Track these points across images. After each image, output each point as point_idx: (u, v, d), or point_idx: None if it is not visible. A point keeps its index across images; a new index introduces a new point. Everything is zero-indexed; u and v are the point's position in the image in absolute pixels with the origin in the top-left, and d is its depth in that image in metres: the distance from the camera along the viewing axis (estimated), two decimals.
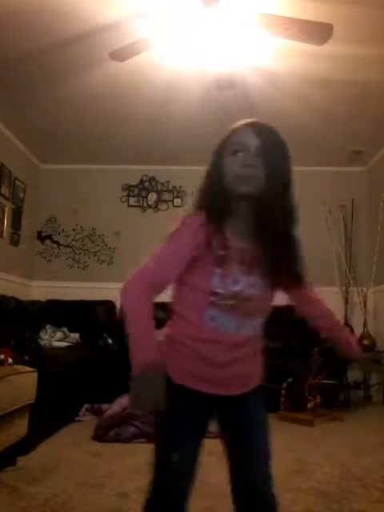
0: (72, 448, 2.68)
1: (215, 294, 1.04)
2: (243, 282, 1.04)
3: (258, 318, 1.10)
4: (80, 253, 5.09)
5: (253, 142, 1.05)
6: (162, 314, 4.30)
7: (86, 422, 3.31)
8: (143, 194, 5.18)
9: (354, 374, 4.45)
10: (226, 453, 1.13)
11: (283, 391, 3.61)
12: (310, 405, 3.52)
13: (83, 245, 5.10)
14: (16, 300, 3.97)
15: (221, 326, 1.06)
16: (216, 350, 1.07)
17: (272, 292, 1.12)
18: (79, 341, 4.10)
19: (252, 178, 1.04)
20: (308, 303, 1.23)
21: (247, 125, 1.09)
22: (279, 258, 1.06)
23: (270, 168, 1.04)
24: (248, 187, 1.04)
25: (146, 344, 1.00)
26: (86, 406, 3.53)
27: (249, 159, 1.04)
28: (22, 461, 2.35)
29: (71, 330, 4.13)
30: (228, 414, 1.14)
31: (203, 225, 1.03)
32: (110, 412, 2.96)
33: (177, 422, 1.08)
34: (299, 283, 1.12)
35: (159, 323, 3.91)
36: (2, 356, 2.28)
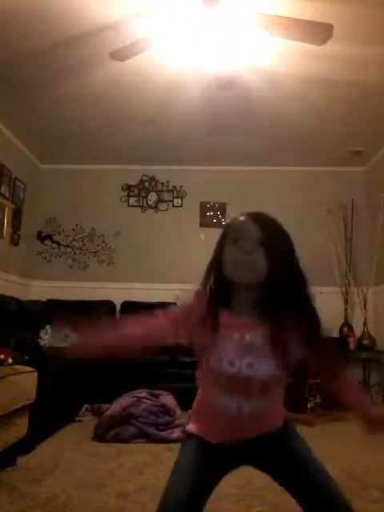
0: (72, 448, 2.67)
1: (215, 374, 1.08)
2: (240, 363, 1.05)
3: (264, 397, 1.08)
4: (80, 253, 5.09)
5: (252, 229, 1.05)
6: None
7: (86, 421, 3.31)
8: (143, 193, 5.18)
9: (353, 374, 4.46)
10: (295, 498, 1.08)
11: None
12: (309, 405, 3.52)
13: (83, 245, 5.10)
14: (16, 300, 3.97)
15: (223, 406, 1.08)
16: (227, 429, 1.09)
17: (283, 371, 1.07)
18: None
19: (251, 266, 1.03)
20: (337, 385, 1.16)
21: (247, 214, 1.10)
22: (280, 342, 1.03)
23: (271, 255, 1.03)
24: (246, 277, 1.04)
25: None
26: (86, 406, 3.53)
27: (248, 246, 1.03)
28: (21, 461, 2.35)
29: None
30: (268, 464, 1.14)
31: (198, 308, 1.09)
32: (109, 412, 2.96)
33: (177, 464, 1.10)
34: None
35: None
36: (2, 356, 2.28)
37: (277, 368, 1.05)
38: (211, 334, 1.06)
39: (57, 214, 5.13)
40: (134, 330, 1.13)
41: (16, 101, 3.78)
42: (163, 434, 2.86)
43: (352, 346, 4.31)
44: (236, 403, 1.07)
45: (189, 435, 1.15)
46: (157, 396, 3.14)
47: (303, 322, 1.05)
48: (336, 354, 1.13)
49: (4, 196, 4.32)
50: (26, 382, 2.29)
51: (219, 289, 1.09)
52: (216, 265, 1.09)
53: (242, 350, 1.05)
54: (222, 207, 5.00)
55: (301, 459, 1.10)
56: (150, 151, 4.74)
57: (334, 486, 1.06)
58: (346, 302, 4.66)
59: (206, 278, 1.11)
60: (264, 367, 1.04)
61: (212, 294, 1.10)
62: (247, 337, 1.05)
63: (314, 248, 4.27)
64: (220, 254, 1.08)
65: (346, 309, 4.64)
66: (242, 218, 1.09)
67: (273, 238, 1.04)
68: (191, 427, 1.16)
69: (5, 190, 4.33)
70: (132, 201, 5.16)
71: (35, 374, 2.38)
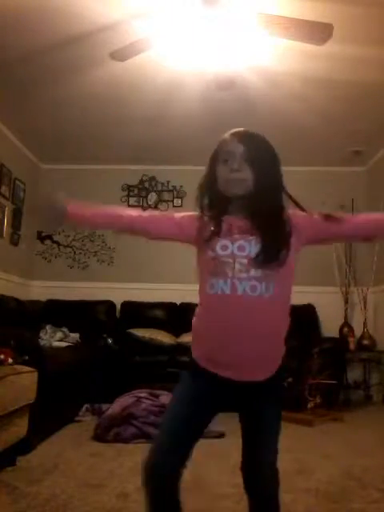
0: (72, 448, 2.67)
1: (210, 263, 1.17)
2: (232, 247, 1.16)
3: (258, 281, 1.14)
4: (80, 253, 5.09)
5: (238, 149, 1.19)
6: (161, 313, 4.34)
7: (86, 421, 3.30)
8: (143, 193, 5.18)
9: (354, 374, 4.46)
10: (241, 431, 1.23)
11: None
12: (310, 405, 3.52)
13: (83, 245, 5.10)
14: (16, 300, 3.97)
15: (218, 290, 1.15)
16: (221, 323, 1.15)
17: (271, 255, 1.16)
18: (79, 341, 4.10)
19: (240, 181, 1.18)
20: (351, 229, 1.28)
21: (233, 134, 1.23)
22: (270, 232, 1.17)
23: (257, 170, 1.18)
24: (237, 190, 1.19)
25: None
26: (86, 406, 3.52)
27: (235, 164, 1.18)
28: (21, 461, 2.35)
29: (71, 330, 4.12)
30: (242, 403, 1.22)
31: (198, 218, 1.25)
32: (109, 412, 2.96)
33: (176, 394, 1.23)
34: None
35: (158, 323, 3.91)
36: (2, 356, 2.28)
37: (265, 249, 1.15)
38: (209, 234, 1.19)
39: None
40: (134, 213, 1.29)
41: (16, 101, 3.78)
42: None
43: (352, 346, 4.30)
44: (230, 285, 1.14)
45: (194, 367, 1.21)
46: (157, 396, 3.14)
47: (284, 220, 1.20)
48: (323, 215, 1.23)
49: (4, 196, 4.32)
50: (26, 382, 2.29)
51: (217, 202, 1.24)
52: (211, 182, 1.24)
53: (234, 237, 1.17)
54: None
55: (263, 420, 1.21)
56: (150, 151, 4.74)
57: (267, 453, 1.20)
58: (346, 301, 4.66)
59: (202, 194, 1.28)
60: (253, 248, 1.15)
61: (212, 206, 1.25)
62: (238, 229, 1.18)
63: (314, 248, 4.26)
64: (214, 173, 1.23)
65: (346, 309, 4.65)
66: (229, 139, 1.23)
67: (257, 154, 1.19)
68: (195, 351, 1.23)
69: (5, 190, 4.33)
70: (132, 201, 5.16)
71: (35, 373, 2.38)
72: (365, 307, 4.55)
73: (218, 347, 1.16)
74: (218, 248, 1.17)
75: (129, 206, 5.12)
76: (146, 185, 5.18)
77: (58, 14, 2.74)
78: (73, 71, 3.33)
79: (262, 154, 1.20)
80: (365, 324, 4.50)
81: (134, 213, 1.29)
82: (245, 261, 1.14)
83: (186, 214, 1.30)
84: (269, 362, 1.19)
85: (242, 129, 1.25)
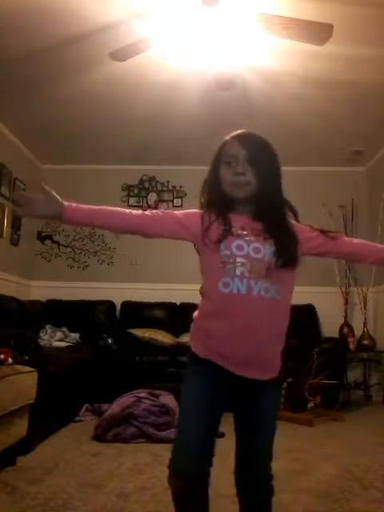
0: (72, 448, 2.67)
1: (224, 261, 1.17)
2: (248, 248, 1.17)
3: (271, 281, 1.17)
4: (80, 253, 5.09)
5: (240, 152, 1.20)
6: (161, 313, 4.35)
7: (86, 421, 3.30)
8: (143, 193, 5.18)
9: (354, 374, 4.46)
10: (235, 434, 1.23)
11: (283, 391, 3.61)
12: (309, 405, 3.52)
13: (83, 245, 5.10)
14: (16, 300, 3.97)
15: (234, 290, 1.15)
16: (234, 323, 1.16)
17: (282, 258, 1.18)
18: (79, 341, 4.10)
19: (244, 184, 1.20)
20: (348, 250, 1.32)
21: (234, 137, 1.25)
22: (283, 236, 1.20)
23: (259, 173, 1.20)
24: (241, 193, 1.21)
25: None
26: (86, 406, 3.52)
27: (239, 168, 1.20)
28: (21, 461, 2.35)
29: (71, 330, 4.13)
30: (242, 400, 1.22)
31: (201, 215, 1.23)
32: (110, 412, 2.96)
33: (187, 391, 1.22)
34: (294, 262, 1.20)
35: (158, 323, 3.90)
36: (2, 356, 2.28)
37: (281, 253, 1.18)
38: (221, 232, 1.19)
39: None
40: (136, 212, 1.22)
41: (16, 101, 3.78)
42: (163, 434, 2.86)
43: (352, 346, 4.30)
44: (246, 286, 1.15)
45: (195, 360, 1.21)
46: (157, 396, 3.14)
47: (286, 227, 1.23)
48: (321, 230, 1.28)
49: (4, 196, 4.32)
50: (26, 382, 2.29)
51: (221, 201, 1.24)
52: (214, 183, 1.25)
53: (249, 238, 1.18)
54: None
55: (261, 419, 1.21)
56: (150, 151, 4.74)
57: (263, 456, 1.20)
58: (346, 302, 4.66)
59: (205, 194, 1.28)
60: (267, 251, 1.17)
61: (215, 205, 1.24)
62: (250, 230, 1.20)
63: None
64: (217, 174, 1.24)
65: (345, 309, 4.64)
66: (230, 140, 1.25)
67: (260, 158, 1.21)
68: (197, 347, 1.22)
69: (5, 190, 4.33)
70: (132, 201, 5.16)
71: (35, 374, 2.38)
72: (365, 307, 4.55)
73: (228, 346, 1.17)
74: (233, 247, 1.17)
75: (129, 206, 5.12)
76: (146, 185, 5.18)
77: (57, 14, 2.74)
78: (73, 71, 3.33)
79: (263, 157, 1.22)
80: (365, 324, 4.50)
81: (135, 212, 1.22)
82: (261, 263, 1.16)
83: (187, 212, 1.28)
84: (274, 361, 1.22)
85: (243, 131, 1.26)
